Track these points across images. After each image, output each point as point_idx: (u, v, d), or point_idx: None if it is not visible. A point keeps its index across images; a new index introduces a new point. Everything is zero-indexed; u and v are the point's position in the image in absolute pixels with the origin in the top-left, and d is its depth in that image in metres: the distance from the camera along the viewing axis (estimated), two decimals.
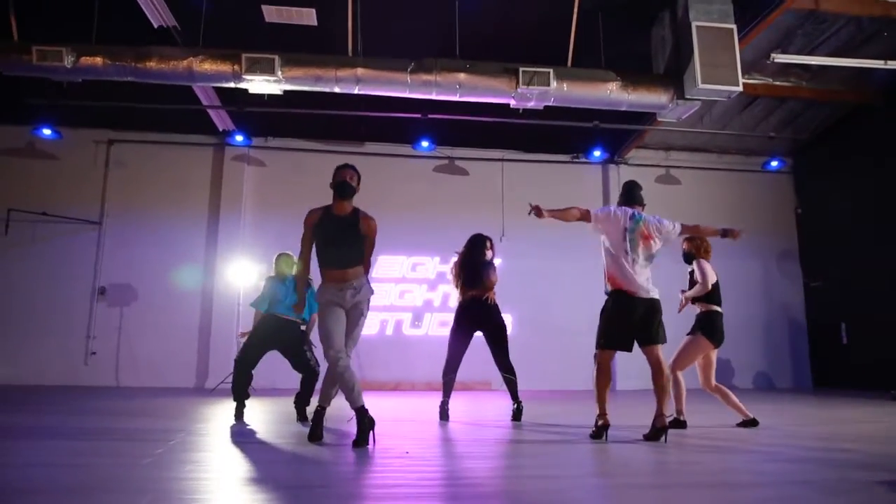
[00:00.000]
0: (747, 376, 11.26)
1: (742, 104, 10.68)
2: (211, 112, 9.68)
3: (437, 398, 5.92)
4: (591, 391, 4.35)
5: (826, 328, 11.27)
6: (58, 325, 10.01)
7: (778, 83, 9.53)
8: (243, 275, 10.10)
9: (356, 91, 7.01)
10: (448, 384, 5.75)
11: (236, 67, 6.68)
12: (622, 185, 4.65)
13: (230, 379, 5.76)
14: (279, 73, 6.66)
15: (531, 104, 7.31)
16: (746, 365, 11.21)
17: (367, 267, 4.22)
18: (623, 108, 7.49)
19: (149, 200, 10.57)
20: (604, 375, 4.29)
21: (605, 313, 4.32)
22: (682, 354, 4.99)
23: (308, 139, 11.03)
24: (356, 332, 4.11)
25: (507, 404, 5.98)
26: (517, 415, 5.64)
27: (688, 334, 5.03)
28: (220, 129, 10.01)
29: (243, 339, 5.65)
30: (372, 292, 4.20)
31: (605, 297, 4.36)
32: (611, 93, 7.28)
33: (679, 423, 4.78)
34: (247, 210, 10.75)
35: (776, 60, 7.44)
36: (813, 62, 7.61)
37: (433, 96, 7.13)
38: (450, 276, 6.06)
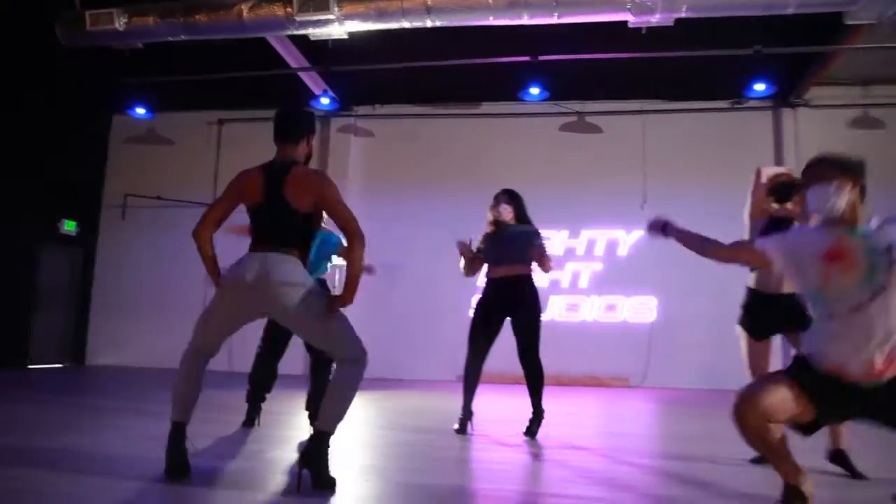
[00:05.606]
0: None
1: None
2: (306, 80, 8.99)
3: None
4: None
5: None
6: (183, 311, 9.90)
7: None
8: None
9: (428, 24, 5.75)
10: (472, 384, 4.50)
11: (289, 10, 5.73)
12: None
13: None
14: (335, 9, 5.60)
15: (655, 18, 5.56)
16: None
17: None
18: (790, 10, 5.45)
19: None
20: None
21: None
22: None
23: (418, 104, 9.98)
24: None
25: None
26: (533, 428, 4.32)
27: None
28: (317, 95, 9.28)
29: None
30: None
31: None
32: None
33: None
34: (355, 184, 9.86)
35: None
36: None
37: (525, 21, 5.67)
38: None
